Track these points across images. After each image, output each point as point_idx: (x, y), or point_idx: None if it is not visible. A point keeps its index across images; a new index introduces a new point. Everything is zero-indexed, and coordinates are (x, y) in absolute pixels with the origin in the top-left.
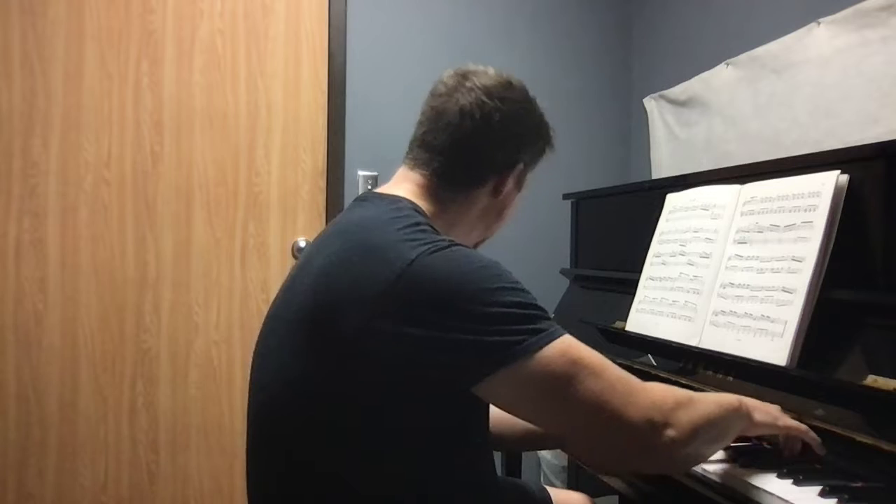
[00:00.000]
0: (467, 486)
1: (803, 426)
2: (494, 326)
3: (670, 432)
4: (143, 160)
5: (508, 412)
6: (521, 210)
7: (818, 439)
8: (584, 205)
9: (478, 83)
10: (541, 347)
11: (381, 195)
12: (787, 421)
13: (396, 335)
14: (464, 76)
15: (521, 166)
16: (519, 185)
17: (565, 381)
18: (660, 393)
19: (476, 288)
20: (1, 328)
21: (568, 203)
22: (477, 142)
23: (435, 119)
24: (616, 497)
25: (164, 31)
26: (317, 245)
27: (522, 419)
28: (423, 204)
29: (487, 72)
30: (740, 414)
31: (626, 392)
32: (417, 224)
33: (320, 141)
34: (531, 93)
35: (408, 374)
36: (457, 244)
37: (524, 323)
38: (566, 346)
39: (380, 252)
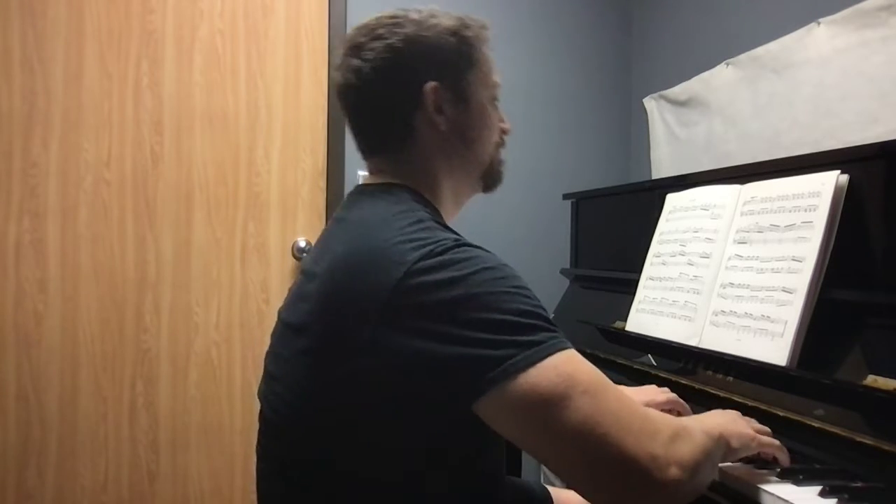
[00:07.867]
0: (471, 486)
1: (776, 441)
2: (490, 336)
3: (674, 469)
4: (143, 160)
5: (507, 438)
6: (521, 210)
7: (786, 452)
8: (584, 205)
9: (343, 49)
10: (533, 363)
11: (376, 185)
12: (761, 439)
13: (400, 347)
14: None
15: (431, 84)
16: (460, 98)
17: (554, 400)
18: (659, 422)
19: (475, 292)
20: (1, 328)
21: (568, 203)
22: (369, 100)
23: (341, 105)
24: None
25: (164, 31)
26: (322, 246)
27: (519, 446)
28: (402, 181)
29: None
30: (721, 444)
31: (626, 419)
32: (420, 220)
33: (320, 141)
34: (406, 14)
35: (410, 387)
36: (462, 243)
37: (520, 333)
38: (561, 360)
39: (381, 257)
